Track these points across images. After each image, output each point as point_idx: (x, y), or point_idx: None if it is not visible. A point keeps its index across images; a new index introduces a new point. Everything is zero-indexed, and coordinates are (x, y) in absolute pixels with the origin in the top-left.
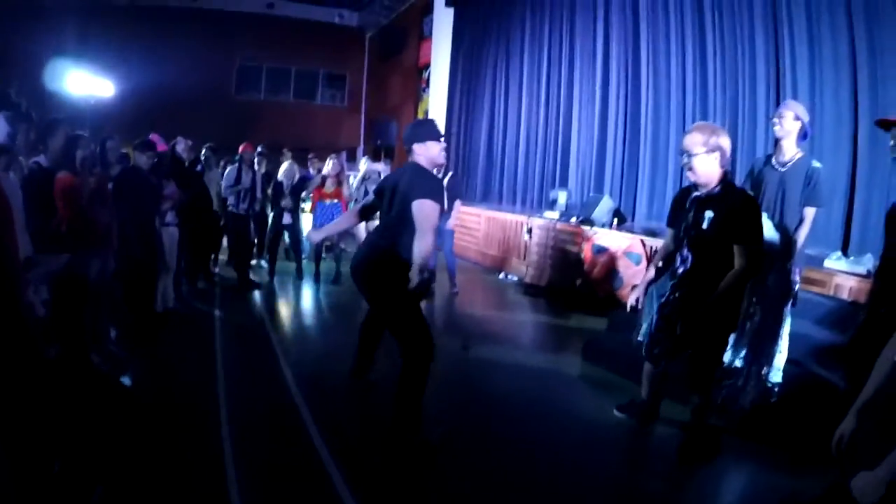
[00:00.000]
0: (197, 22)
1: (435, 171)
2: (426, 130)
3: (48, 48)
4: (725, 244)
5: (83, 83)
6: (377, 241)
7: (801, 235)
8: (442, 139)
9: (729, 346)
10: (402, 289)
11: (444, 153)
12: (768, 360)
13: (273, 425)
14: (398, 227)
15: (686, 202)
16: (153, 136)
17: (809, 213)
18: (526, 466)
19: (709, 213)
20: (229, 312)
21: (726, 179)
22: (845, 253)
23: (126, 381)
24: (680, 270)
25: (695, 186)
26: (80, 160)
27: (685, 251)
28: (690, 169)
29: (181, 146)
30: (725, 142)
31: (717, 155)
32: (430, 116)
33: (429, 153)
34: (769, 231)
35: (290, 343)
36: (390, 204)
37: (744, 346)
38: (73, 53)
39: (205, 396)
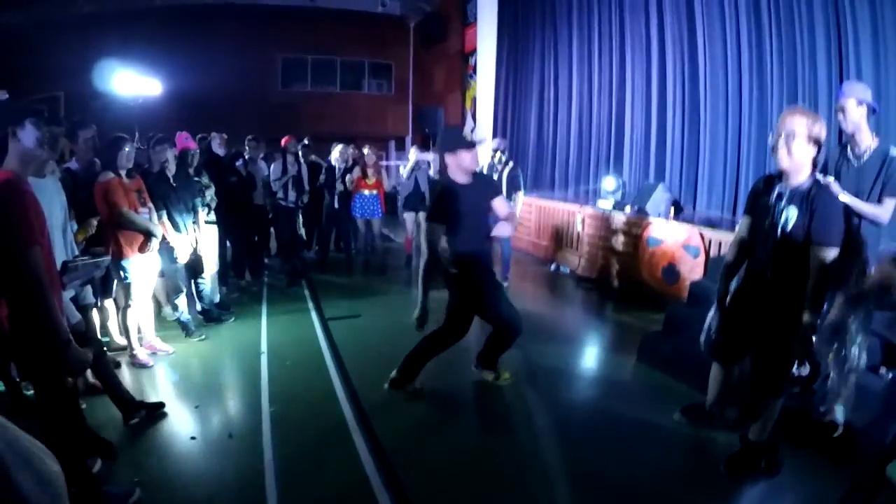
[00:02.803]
0: (239, 18)
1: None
2: (454, 139)
3: (95, 52)
4: (808, 246)
5: (130, 83)
6: None
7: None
8: (473, 147)
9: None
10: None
11: (475, 159)
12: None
13: (316, 427)
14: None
15: (770, 192)
16: (181, 134)
17: (889, 204)
18: (575, 466)
19: (793, 211)
20: (276, 309)
21: (815, 175)
22: None
23: (170, 374)
24: (756, 268)
25: (779, 176)
26: (123, 162)
27: (765, 249)
28: (787, 152)
29: (216, 141)
30: (824, 133)
31: (814, 146)
32: (477, 104)
33: (460, 163)
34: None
35: (339, 343)
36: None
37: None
38: (119, 54)
39: (248, 398)
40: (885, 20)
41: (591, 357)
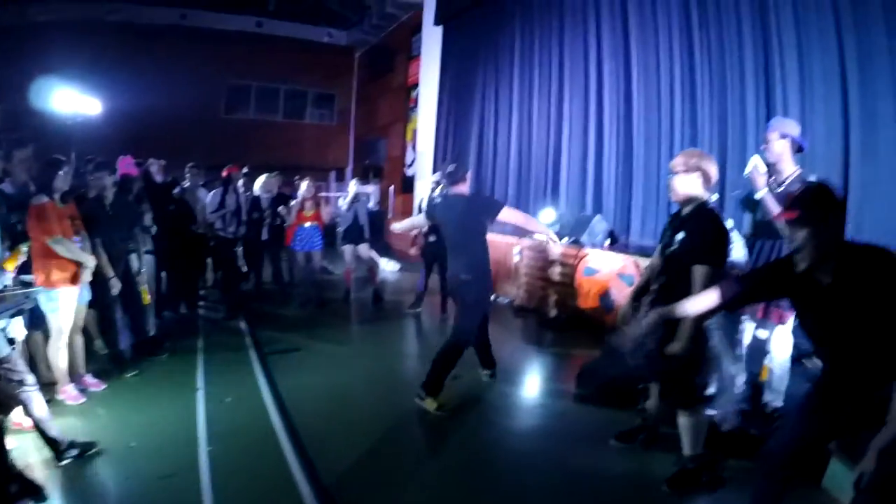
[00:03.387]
0: (186, 40)
1: None
2: (463, 170)
3: (36, 65)
4: (691, 265)
5: (70, 101)
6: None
7: None
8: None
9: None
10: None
11: None
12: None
13: (253, 461)
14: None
15: (668, 224)
16: (124, 159)
17: None
18: (523, 496)
19: (680, 234)
20: (213, 343)
21: (702, 203)
22: None
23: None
24: (655, 288)
25: (679, 212)
26: (58, 186)
27: (661, 270)
28: (670, 187)
29: (155, 168)
30: (708, 165)
31: (696, 175)
32: (418, 136)
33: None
34: (739, 252)
35: (278, 378)
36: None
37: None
38: (61, 71)
39: (185, 437)
40: (812, 59)
41: (531, 387)
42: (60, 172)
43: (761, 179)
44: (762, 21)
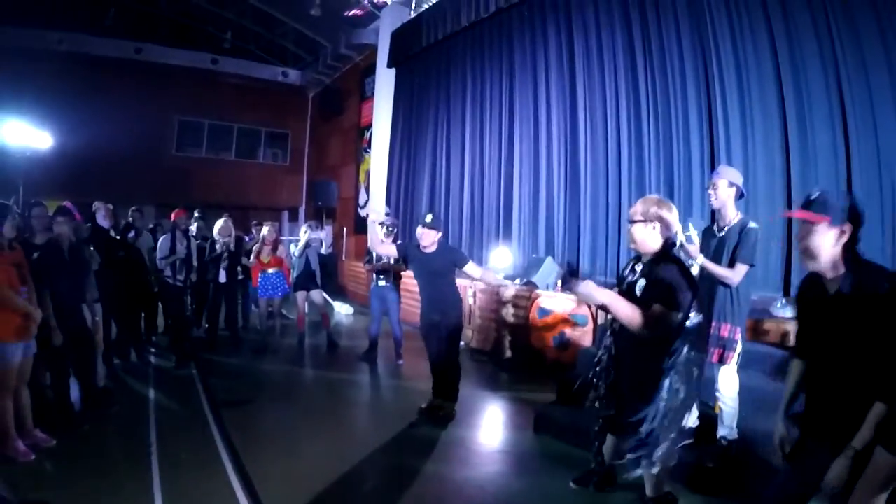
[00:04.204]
0: (139, 74)
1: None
2: (439, 221)
3: None
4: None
5: (19, 133)
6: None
7: (740, 290)
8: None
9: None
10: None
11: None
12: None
13: None
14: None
15: (626, 270)
16: (66, 205)
17: (740, 269)
18: None
19: (642, 282)
20: (164, 392)
21: (663, 251)
22: (787, 293)
23: (52, 469)
24: (609, 336)
25: (638, 258)
26: (5, 233)
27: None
28: (630, 238)
29: (101, 213)
30: (667, 213)
31: (655, 225)
32: (371, 177)
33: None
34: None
35: (232, 431)
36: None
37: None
38: (9, 102)
39: (135, 487)
40: (753, 106)
41: (488, 430)
42: (8, 218)
43: (694, 249)
44: (705, 65)
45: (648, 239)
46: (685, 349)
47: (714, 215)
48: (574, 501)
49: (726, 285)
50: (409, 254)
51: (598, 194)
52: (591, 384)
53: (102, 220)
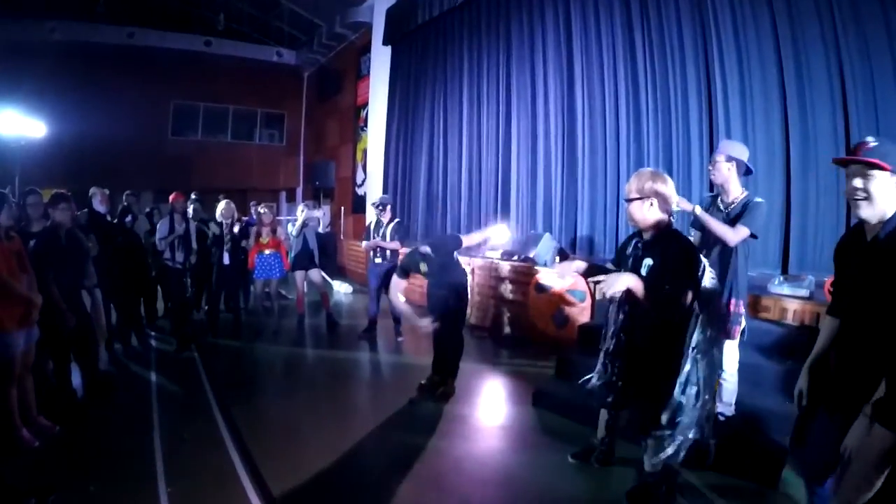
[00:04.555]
0: (132, 60)
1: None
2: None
3: None
4: (660, 290)
5: (13, 123)
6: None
7: (739, 263)
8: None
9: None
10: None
11: None
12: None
13: (213, 498)
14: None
15: (629, 247)
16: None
17: (740, 231)
18: None
19: (647, 261)
20: (166, 376)
21: (665, 226)
22: (784, 271)
23: (57, 455)
24: (621, 317)
25: (639, 233)
26: (2, 223)
27: (625, 298)
28: (629, 214)
29: (98, 198)
30: (664, 187)
31: (652, 201)
32: (368, 156)
33: None
34: (709, 281)
35: (235, 412)
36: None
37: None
38: (2, 92)
39: (139, 467)
40: (753, 84)
41: (487, 406)
42: (5, 208)
43: (685, 203)
44: (704, 38)
45: (648, 215)
46: (703, 328)
47: (714, 192)
48: (573, 476)
49: (726, 250)
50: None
51: (595, 170)
52: (601, 362)
53: (99, 205)
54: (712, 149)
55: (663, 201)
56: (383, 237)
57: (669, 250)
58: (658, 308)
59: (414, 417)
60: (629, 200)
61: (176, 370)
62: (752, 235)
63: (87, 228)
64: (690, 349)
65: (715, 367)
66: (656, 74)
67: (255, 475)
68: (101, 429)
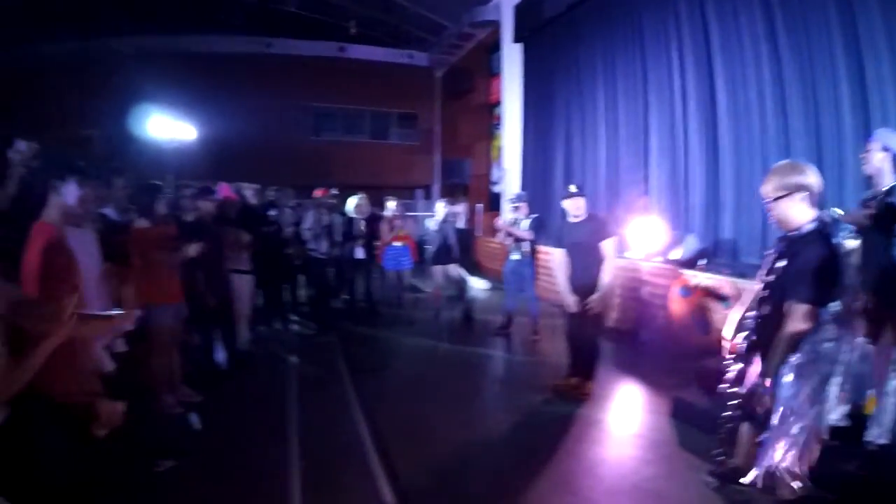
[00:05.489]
0: (273, 67)
1: None
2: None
3: (127, 94)
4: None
5: (165, 127)
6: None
7: None
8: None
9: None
10: None
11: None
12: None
13: (343, 478)
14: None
15: (772, 250)
16: (222, 185)
17: None
18: None
19: (782, 262)
20: (304, 357)
21: (814, 226)
22: None
23: (195, 422)
24: (756, 319)
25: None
26: (158, 210)
27: (762, 299)
28: (774, 216)
29: (249, 192)
30: (808, 178)
31: (798, 196)
32: (503, 154)
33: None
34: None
35: (367, 396)
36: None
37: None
38: (155, 98)
39: (274, 442)
40: None
41: (623, 413)
42: (161, 197)
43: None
44: (853, 23)
45: (794, 213)
46: (824, 338)
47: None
48: (708, 497)
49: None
50: (555, 229)
51: (740, 168)
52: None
53: (251, 198)
54: (867, 139)
55: (811, 195)
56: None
57: (808, 255)
58: (797, 325)
59: (547, 418)
60: (772, 200)
61: (314, 352)
62: None
63: (240, 220)
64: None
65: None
66: (802, 59)
67: (386, 460)
68: (238, 400)
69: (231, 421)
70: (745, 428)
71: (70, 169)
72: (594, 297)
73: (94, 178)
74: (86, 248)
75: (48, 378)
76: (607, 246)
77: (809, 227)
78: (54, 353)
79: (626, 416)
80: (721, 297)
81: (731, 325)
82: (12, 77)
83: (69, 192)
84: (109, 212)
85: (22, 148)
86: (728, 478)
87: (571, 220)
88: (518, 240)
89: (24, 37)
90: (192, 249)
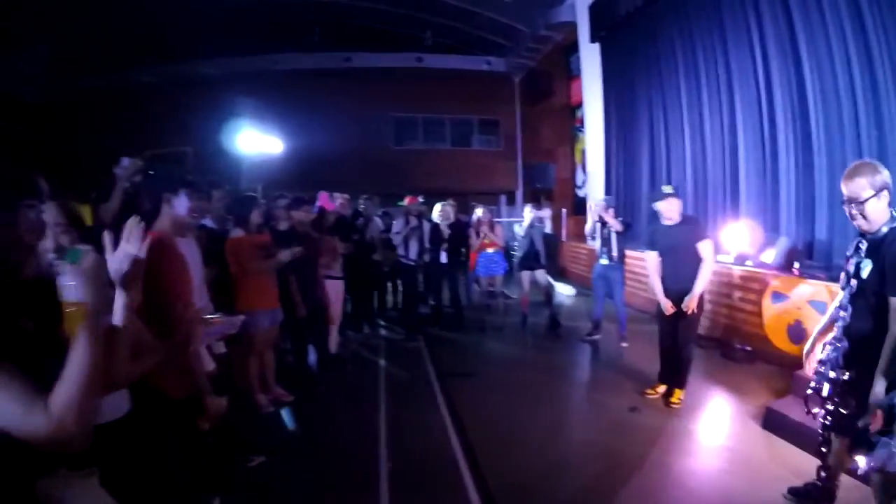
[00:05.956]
0: (352, 80)
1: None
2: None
3: (216, 113)
4: (884, 298)
5: (254, 141)
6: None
7: None
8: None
9: None
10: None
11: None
12: None
13: (431, 480)
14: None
15: (852, 251)
16: (322, 194)
17: None
18: None
19: (868, 262)
20: (392, 361)
21: (894, 224)
22: None
23: (287, 420)
24: (840, 325)
25: (863, 234)
26: (254, 220)
27: (845, 303)
28: (863, 217)
29: (339, 202)
30: (888, 177)
31: (884, 194)
32: (587, 157)
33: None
34: None
35: (456, 401)
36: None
37: None
38: (243, 113)
39: (363, 442)
40: None
41: (713, 423)
42: (256, 208)
43: None
44: None
45: (882, 212)
46: None
47: None
48: None
49: None
50: (656, 240)
51: (833, 165)
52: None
53: (341, 208)
54: None
55: (889, 192)
56: (606, 239)
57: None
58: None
59: (635, 427)
60: (861, 202)
61: (402, 356)
62: None
63: (335, 228)
64: None
65: None
66: (892, 47)
67: (472, 463)
68: (329, 401)
69: (321, 420)
70: (837, 441)
71: (182, 182)
72: (689, 297)
73: (200, 190)
74: (192, 257)
75: (162, 375)
76: (704, 248)
77: (890, 225)
78: (170, 352)
79: (715, 427)
80: (816, 304)
81: (818, 334)
82: (112, 99)
83: (180, 204)
84: (208, 222)
85: (126, 164)
86: (810, 497)
87: (665, 222)
88: (607, 236)
89: (121, 62)
90: (285, 256)
